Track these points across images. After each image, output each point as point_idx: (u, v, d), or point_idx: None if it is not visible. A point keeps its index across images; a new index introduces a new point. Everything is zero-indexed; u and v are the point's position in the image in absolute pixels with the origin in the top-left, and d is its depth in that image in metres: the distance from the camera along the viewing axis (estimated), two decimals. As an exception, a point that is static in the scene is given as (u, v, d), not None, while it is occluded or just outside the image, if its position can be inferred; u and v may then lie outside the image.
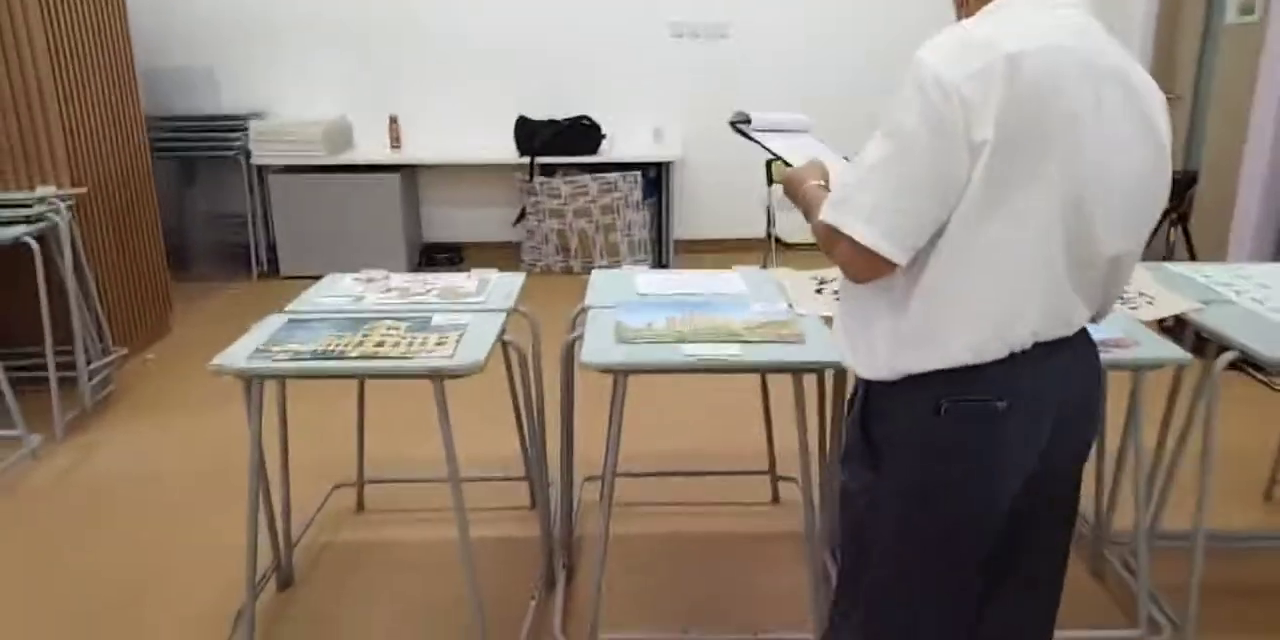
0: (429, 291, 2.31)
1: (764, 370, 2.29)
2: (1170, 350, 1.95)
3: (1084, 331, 1.39)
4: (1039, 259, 1.24)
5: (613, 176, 5.03)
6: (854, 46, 5.34)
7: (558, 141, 5.02)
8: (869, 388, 1.39)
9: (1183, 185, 4.12)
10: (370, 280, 2.41)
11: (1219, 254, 4.75)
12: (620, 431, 1.89)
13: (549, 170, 5.13)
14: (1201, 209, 4.99)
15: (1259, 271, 2.45)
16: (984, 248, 1.22)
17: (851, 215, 1.23)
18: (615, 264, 5.18)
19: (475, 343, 1.92)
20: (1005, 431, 1.30)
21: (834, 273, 2.12)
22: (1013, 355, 1.27)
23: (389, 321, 2.05)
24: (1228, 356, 1.97)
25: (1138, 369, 1.98)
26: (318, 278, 2.56)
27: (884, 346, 1.32)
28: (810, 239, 1.37)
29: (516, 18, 5.25)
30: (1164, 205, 1.35)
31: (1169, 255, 4.15)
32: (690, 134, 5.39)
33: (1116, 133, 1.24)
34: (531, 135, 5.01)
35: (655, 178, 5.21)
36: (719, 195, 5.53)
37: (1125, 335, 1.99)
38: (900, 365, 1.31)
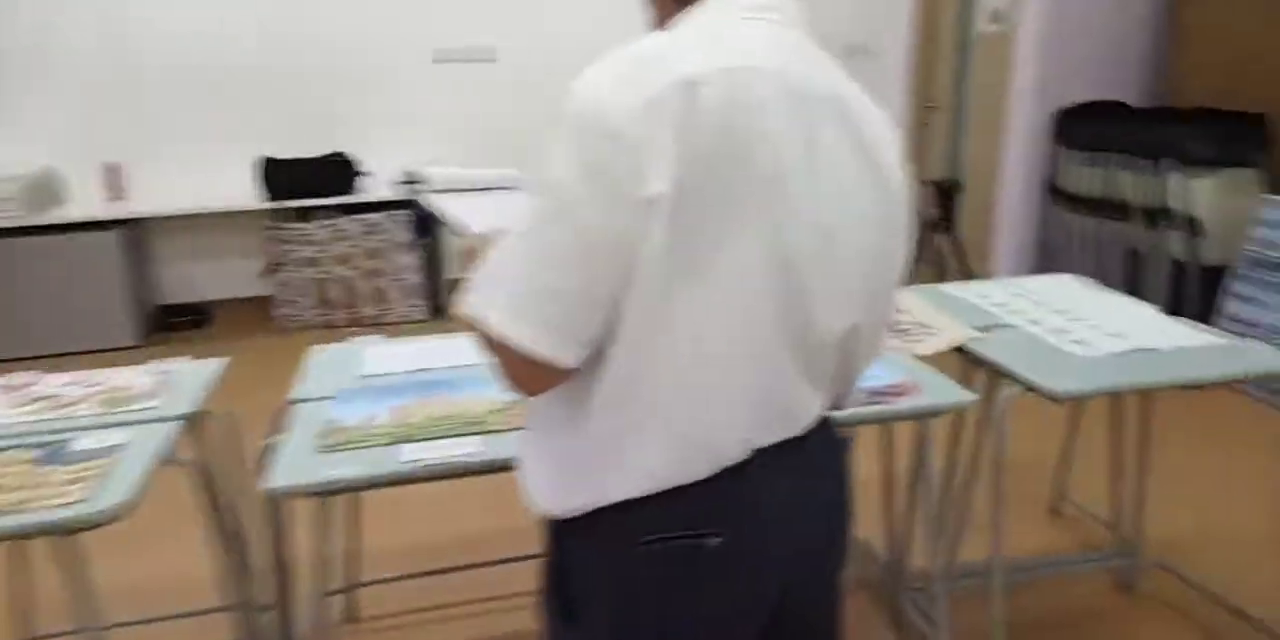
0: (88, 398, 1.82)
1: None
2: (953, 393, 1.78)
3: (824, 424, 1.09)
4: (746, 344, 0.95)
5: (376, 217, 4.58)
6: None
7: (310, 181, 4.52)
8: (556, 525, 1.07)
9: (947, 193, 4.16)
10: (9, 388, 1.88)
11: (988, 262, 4.89)
12: (339, 555, 1.50)
13: (303, 214, 4.61)
14: (968, 217, 5.13)
15: (1035, 287, 2.36)
16: (674, 333, 0.92)
17: (493, 306, 0.91)
18: (386, 313, 4.72)
19: (124, 475, 1.47)
20: (722, 572, 1.00)
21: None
22: (723, 472, 0.98)
23: (12, 451, 1.56)
24: (1012, 393, 1.83)
25: (919, 418, 1.80)
26: (33, 359, 2.01)
27: (564, 472, 1.01)
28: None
29: (254, 44, 4.67)
30: (902, 263, 1.09)
31: (941, 266, 4.19)
32: (464, 164, 5.02)
33: (835, 179, 0.97)
34: (279, 176, 4.47)
35: (428, 215, 4.80)
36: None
37: (907, 378, 1.81)
38: (584, 496, 0.99)
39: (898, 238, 1.06)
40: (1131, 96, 4.39)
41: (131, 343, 4.50)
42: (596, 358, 0.93)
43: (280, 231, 4.56)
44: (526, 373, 0.93)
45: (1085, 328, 2.04)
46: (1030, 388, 1.78)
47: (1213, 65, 4.12)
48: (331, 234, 4.56)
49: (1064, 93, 4.35)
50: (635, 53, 0.90)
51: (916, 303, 2.25)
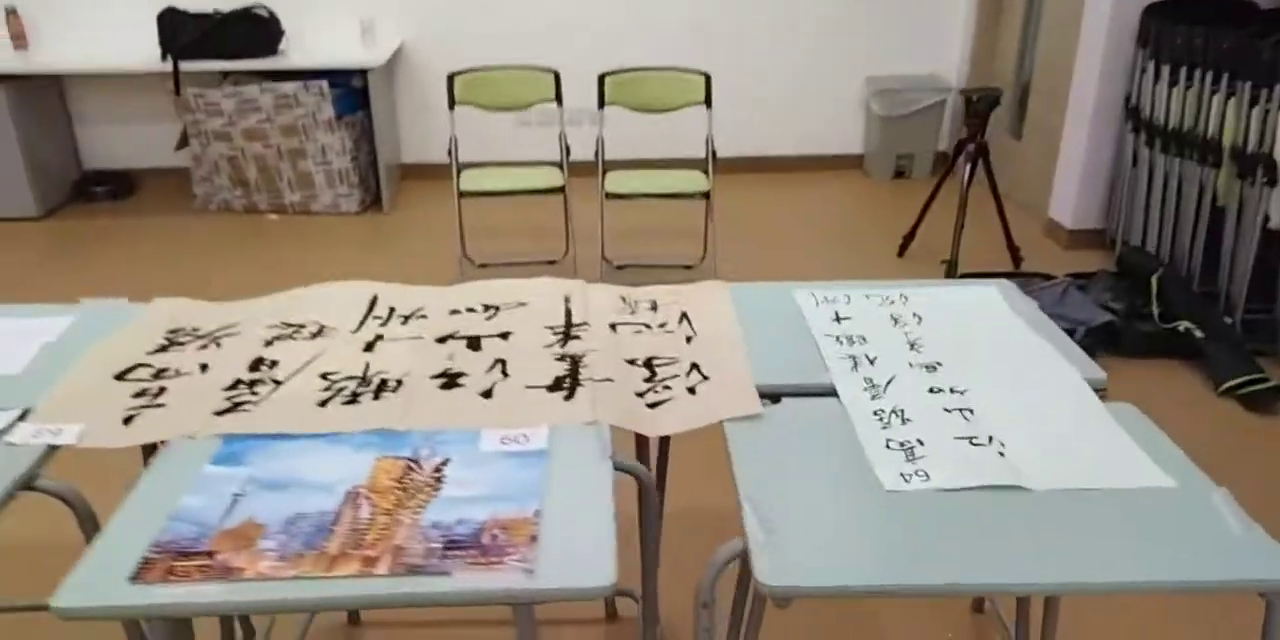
0: None
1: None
2: (599, 575, 1.04)
3: None
4: None
5: (289, 87, 3.89)
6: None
7: (214, 41, 3.84)
8: None
9: (979, 110, 3.16)
10: None
11: (1045, 204, 3.88)
12: None
13: (209, 80, 3.97)
14: (1033, 140, 4.07)
15: (925, 303, 1.52)
16: None
17: None
18: (311, 200, 4.11)
19: None
20: None
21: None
22: None
23: None
24: (719, 563, 1.09)
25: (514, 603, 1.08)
26: None
27: None
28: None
29: None
30: None
31: (963, 208, 3.25)
32: (418, 29, 4.25)
33: None
34: (176, 32, 3.81)
35: (363, 87, 4.08)
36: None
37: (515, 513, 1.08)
38: None
39: None
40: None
41: (35, 213, 4.06)
42: None
43: (180, 99, 3.95)
44: None
45: (938, 409, 1.25)
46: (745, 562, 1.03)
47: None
48: (239, 105, 3.91)
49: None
50: None
51: (712, 307, 1.47)
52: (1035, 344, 1.41)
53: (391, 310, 1.51)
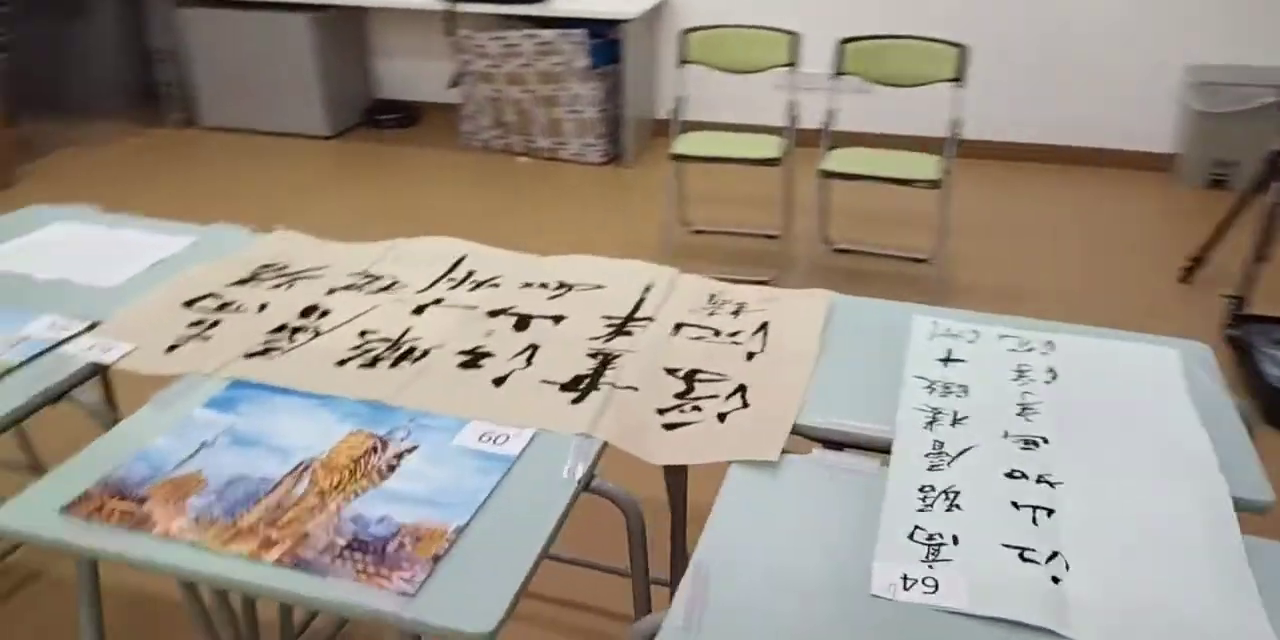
0: None
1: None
2: (479, 620, 0.90)
3: None
4: None
5: (549, 35, 3.93)
6: None
7: (494, -17, 3.96)
8: None
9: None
10: None
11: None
12: None
13: (485, 23, 4.10)
14: None
15: (1065, 363, 1.20)
16: None
17: None
18: (560, 148, 4.18)
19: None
20: None
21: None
22: None
23: None
24: None
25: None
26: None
27: None
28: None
29: None
30: None
31: (1270, 225, 2.60)
32: None
33: None
34: (459, -26, 3.97)
35: (619, 40, 4.04)
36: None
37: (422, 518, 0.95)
38: None
39: None
40: None
41: (325, 133, 4.49)
42: None
43: (458, 40, 4.12)
44: None
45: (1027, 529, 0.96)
46: None
47: None
48: (503, 49, 4.02)
49: None
50: None
51: (799, 321, 1.25)
52: (1192, 440, 1.05)
53: (469, 274, 1.44)
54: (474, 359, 1.21)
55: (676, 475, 1.43)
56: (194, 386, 1.17)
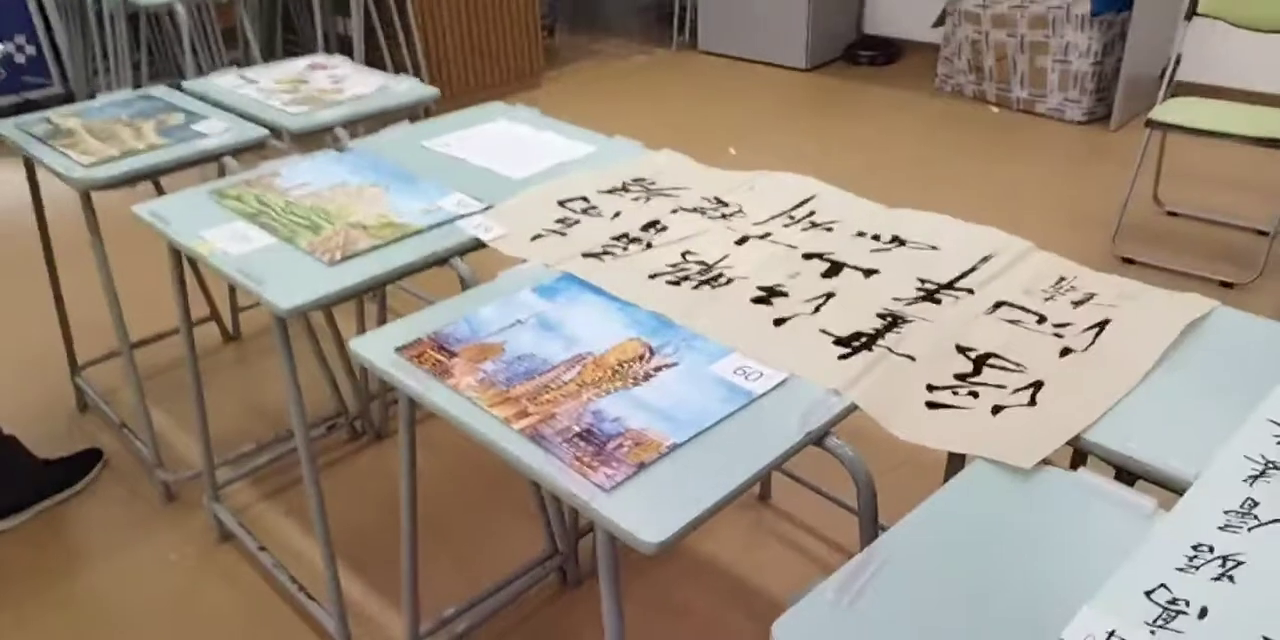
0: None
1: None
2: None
3: None
4: None
5: (1055, -26, 3.53)
6: None
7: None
8: None
9: None
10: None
11: None
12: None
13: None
14: None
15: None
16: None
17: None
18: (1037, 100, 3.80)
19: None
20: None
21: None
22: None
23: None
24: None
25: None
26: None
27: None
28: None
29: None
30: None
31: None
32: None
33: None
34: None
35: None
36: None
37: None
38: None
39: None
40: None
41: (802, 66, 4.57)
42: None
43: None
44: None
45: None
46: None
47: None
48: (998, -13, 3.71)
49: None
50: None
51: (1147, 328, 1.03)
52: None
53: (809, 214, 1.43)
54: (768, 296, 1.23)
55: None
56: (533, 273, 1.34)
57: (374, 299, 2.36)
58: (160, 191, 2.22)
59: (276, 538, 1.94)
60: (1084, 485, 0.91)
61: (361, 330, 2.33)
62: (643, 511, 0.90)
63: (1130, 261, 2.83)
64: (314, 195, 1.62)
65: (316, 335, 2.15)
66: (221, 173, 1.89)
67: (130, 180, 1.86)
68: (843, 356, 1.09)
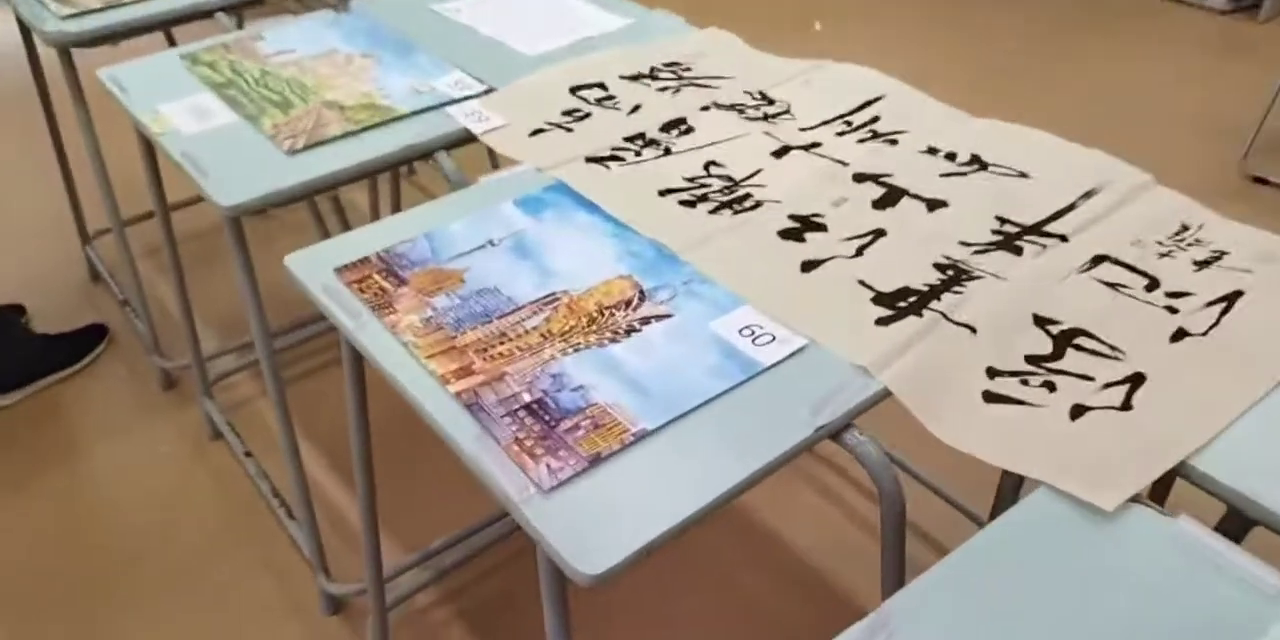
0: None
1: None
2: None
3: None
4: None
5: None
6: None
7: None
8: None
9: None
10: None
11: None
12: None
13: None
14: None
15: None
16: None
17: None
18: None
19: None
20: None
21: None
22: None
23: None
24: None
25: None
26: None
27: None
28: None
29: None
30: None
31: None
32: None
33: None
34: None
35: None
36: None
37: None
38: None
39: None
40: None
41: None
42: None
43: None
44: None
45: None
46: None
47: None
48: None
49: None
50: None
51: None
52: None
53: (872, 119, 1.14)
54: (802, 228, 0.97)
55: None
56: (519, 179, 1.10)
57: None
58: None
59: (271, 439, 1.81)
60: (1185, 539, 0.67)
61: (397, 208, 2.13)
62: (584, 527, 0.69)
63: (1263, 181, 2.43)
64: (296, 64, 1.38)
65: (345, 212, 1.95)
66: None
67: (112, 36, 1.64)
68: (882, 320, 0.84)
